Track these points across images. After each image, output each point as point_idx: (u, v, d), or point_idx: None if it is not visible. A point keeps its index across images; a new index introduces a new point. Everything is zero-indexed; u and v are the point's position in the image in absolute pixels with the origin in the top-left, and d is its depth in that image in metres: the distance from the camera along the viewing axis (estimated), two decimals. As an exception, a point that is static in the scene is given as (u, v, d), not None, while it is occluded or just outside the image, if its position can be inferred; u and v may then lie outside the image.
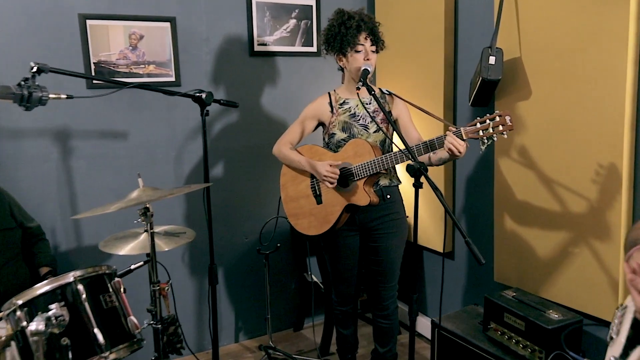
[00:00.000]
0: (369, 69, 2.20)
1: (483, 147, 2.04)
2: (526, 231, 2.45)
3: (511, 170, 2.48)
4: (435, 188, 1.85)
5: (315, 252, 3.19)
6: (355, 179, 2.26)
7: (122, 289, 1.72)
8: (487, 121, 2.00)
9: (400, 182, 2.46)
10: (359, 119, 2.37)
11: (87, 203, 2.74)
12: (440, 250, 3.03)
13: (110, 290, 1.70)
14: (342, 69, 2.41)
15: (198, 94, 2.00)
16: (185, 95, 1.99)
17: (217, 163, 3.07)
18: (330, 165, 2.26)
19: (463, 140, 2.02)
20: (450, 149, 2.02)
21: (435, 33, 2.81)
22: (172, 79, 2.85)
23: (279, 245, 2.89)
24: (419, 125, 2.53)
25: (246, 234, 3.21)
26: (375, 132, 2.36)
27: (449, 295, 3.05)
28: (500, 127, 1.98)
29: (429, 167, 1.99)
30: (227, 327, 3.25)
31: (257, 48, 3.06)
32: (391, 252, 2.42)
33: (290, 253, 3.34)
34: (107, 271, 1.73)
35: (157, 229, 2.36)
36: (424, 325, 3.21)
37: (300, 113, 2.47)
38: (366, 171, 2.22)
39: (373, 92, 2.08)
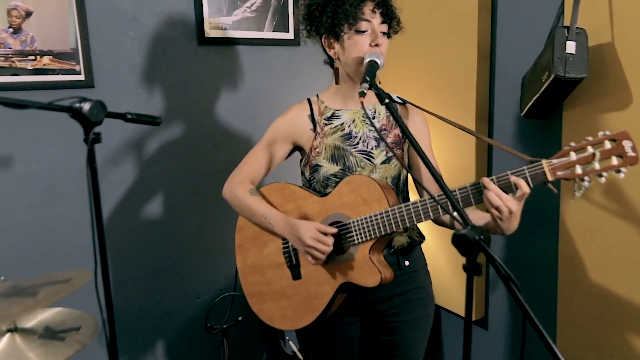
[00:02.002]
0: (377, 61, 1.33)
1: (578, 194, 1.19)
2: (612, 311, 1.60)
3: (589, 217, 1.63)
4: (508, 277, 1.03)
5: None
6: (356, 241, 1.38)
7: None
8: (590, 149, 1.14)
9: (424, 239, 1.59)
10: (358, 142, 1.49)
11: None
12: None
13: None
14: (330, 62, 1.53)
15: (77, 106, 1.11)
16: (48, 106, 1.09)
17: (155, 195, 2.16)
18: (319, 231, 1.38)
19: (547, 182, 1.18)
20: (498, 208, 1.19)
21: (464, 9, 1.94)
22: (80, 77, 1.93)
23: (240, 318, 1.99)
24: (435, 147, 1.66)
25: (198, 292, 2.31)
26: (384, 162, 1.48)
27: (480, 378, 2.20)
28: (614, 161, 1.13)
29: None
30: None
31: (209, 33, 2.16)
32: (412, 350, 1.55)
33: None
34: None
35: (29, 323, 1.45)
36: (443, 415, 2.36)
37: (266, 131, 1.58)
38: (374, 231, 1.35)
39: (387, 102, 1.20)
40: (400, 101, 1.54)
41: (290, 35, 2.34)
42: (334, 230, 1.38)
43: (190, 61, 2.15)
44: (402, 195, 1.55)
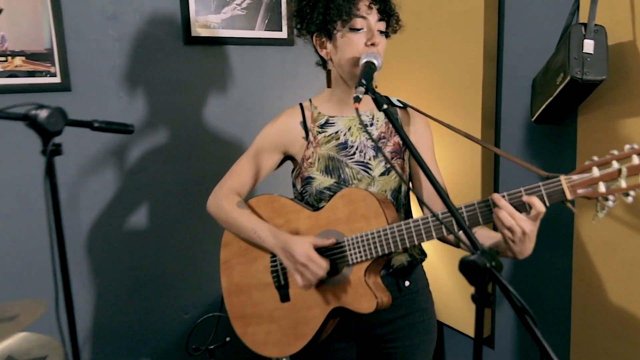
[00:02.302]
0: (375, 62, 1.19)
1: (601, 215, 1.05)
2: (629, 331, 1.46)
3: (605, 232, 1.49)
4: (523, 310, 0.93)
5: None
6: (350, 262, 1.24)
7: None
8: (615, 165, 1.01)
9: (426, 256, 1.45)
10: (354, 153, 1.35)
11: None
12: (470, 332, 2.03)
13: None
14: (323, 64, 1.39)
15: (32, 114, 0.97)
16: (-2, 115, 0.96)
17: (139, 205, 2.03)
18: (314, 246, 1.24)
19: (566, 201, 1.05)
20: (511, 229, 1.06)
21: (468, 5, 1.80)
22: (56, 79, 1.80)
23: (228, 339, 1.86)
24: (438, 154, 1.53)
25: (186, 308, 2.18)
26: (383, 174, 1.35)
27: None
28: (644, 178, 0.99)
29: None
30: None
31: (196, 32, 2.03)
32: (412, 379, 1.41)
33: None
34: None
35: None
36: None
37: (254, 139, 1.44)
38: (370, 251, 1.21)
39: (386, 108, 1.07)
40: (401, 105, 1.41)
41: (283, 34, 2.21)
42: (332, 241, 1.24)
43: (176, 62, 2.02)
44: (404, 209, 1.41)
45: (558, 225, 1.66)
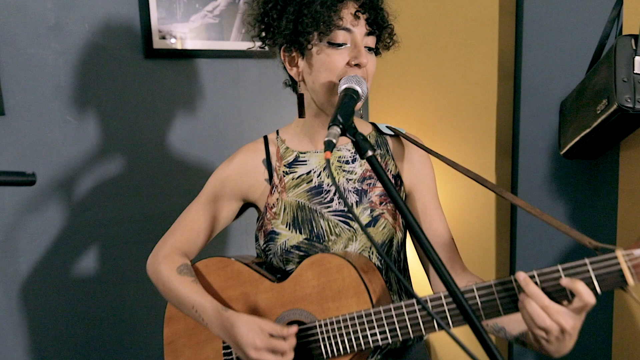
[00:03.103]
0: (357, 89, 0.89)
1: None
2: None
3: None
4: None
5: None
6: (324, 356, 0.93)
7: None
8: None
9: (427, 332, 1.14)
10: (331, 199, 1.05)
11: None
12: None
13: None
14: (293, 85, 1.10)
15: None
16: None
17: (88, 248, 1.73)
18: (271, 335, 0.93)
19: (626, 287, 0.75)
20: (545, 329, 0.74)
21: (481, 13, 1.50)
22: (-15, 102, 1.51)
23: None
24: (441, 193, 1.23)
25: (150, 362, 1.87)
26: (367, 226, 1.04)
27: None
28: None
29: None
30: None
31: (158, 44, 1.73)
32: None
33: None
34: None
35: None
36: None
37: (206, 183, 1.15)
38: (350, 342, 0.91)
39: (371, 156, 0.77)
40: (391, 132, 1.11)
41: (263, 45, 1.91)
42: (293, 330, 0.92)
43: (135, 79, 1.72)
44: (397, 266, 1.10)
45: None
